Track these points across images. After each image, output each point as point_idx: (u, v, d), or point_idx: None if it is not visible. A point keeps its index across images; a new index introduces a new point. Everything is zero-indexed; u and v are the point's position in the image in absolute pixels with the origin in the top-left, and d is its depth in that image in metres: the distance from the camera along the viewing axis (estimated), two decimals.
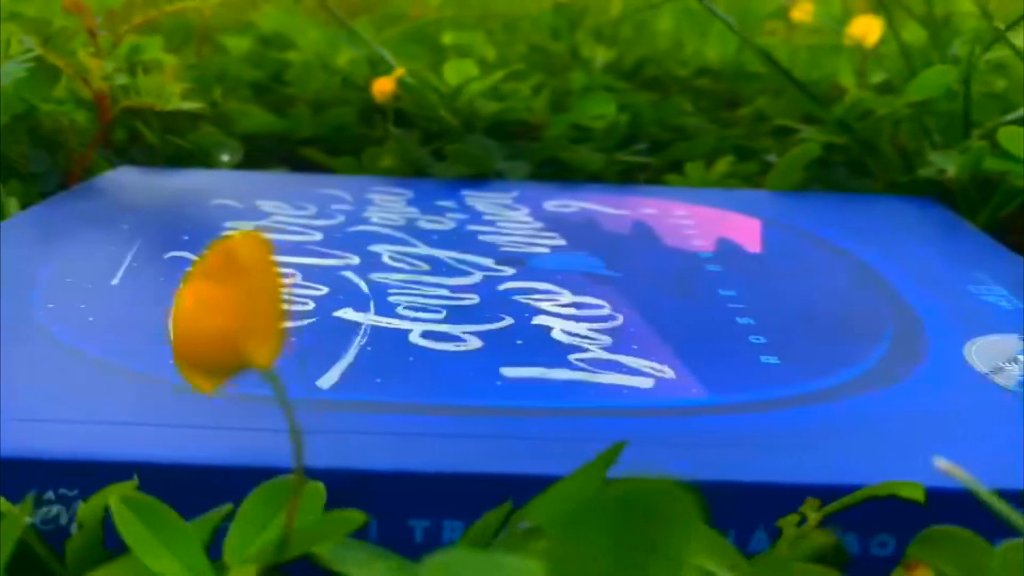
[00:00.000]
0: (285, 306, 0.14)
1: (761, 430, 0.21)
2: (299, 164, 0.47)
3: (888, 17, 0.53)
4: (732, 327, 0.27)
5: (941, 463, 0.15)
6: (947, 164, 0.40)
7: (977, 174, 0.40)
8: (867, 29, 0.53)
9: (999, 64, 0.53)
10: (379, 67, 0.50)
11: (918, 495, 0.19)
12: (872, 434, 0.21)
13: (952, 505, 0.19)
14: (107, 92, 0.39)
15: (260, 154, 0.49)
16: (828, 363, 0.25)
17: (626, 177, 0.48)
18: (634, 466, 0.19)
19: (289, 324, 0.25)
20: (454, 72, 0.47)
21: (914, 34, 0.58)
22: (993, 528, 0.19)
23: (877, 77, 0.54)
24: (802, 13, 0.73)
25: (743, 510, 0.19)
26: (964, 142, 0.41)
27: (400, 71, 0.46)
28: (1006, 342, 0.27)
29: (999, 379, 0.25)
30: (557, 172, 0.46)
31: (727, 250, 0.33)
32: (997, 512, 0.15)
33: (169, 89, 0.36)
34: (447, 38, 0.67)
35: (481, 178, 0.43)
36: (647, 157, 0.48)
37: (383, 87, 0.46)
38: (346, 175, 0.43)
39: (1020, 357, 0.26)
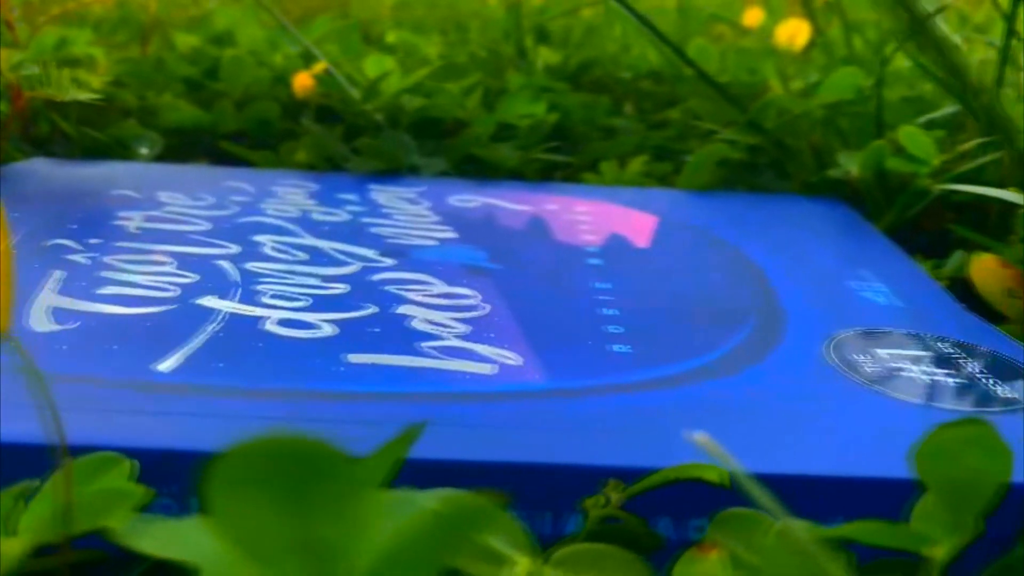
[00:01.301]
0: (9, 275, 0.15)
1: (588, 414, 0.22)
2: (222, 158, 0.47)
3: (814, 20, 0.53)
4: (594, 318, 0.27)
5: (699, 438, 0.16)
6: (852, 164, 0.41)
7: (887, 175, 0.41)
8: (795, 32, 0.54)
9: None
10: (312, 64, 0.51)
11: (719, 478, 0.19)
12: (699, 420, 0.22)
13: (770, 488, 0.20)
14: (17, 83, 0.40)
15: (186, 148, 0.49)
16: (678, 352, 0.25)
17: (547, 175, 0.48)
18: (447, 448, 0.20)
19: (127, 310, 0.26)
20: (373, 66, 0.47)
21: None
22: (825, 509, 0.20)
23: (808, 79, 0.55)
24: (752, 18, 0.74)
25: (554, 492, 0.19)
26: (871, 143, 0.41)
27: (320, 66, 0.47)
28: (870, 337, 0.27)
29: (849, 372, 0.25)
30: (478, 169, 0.46)
31: (614, 245, 0.34)
32: (752, 495, 0.15)
33: (66, 80, 0.37)
34: (390, 36, 0.68)
35: (395, 173, 0.43)
36: (567, 156, 0.48)
37: (302, 82, 0.46)
38: (261, 169, 0.43)
39: (879, 352, 0.26)
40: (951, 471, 0.16)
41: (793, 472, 0.20)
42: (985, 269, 0.34)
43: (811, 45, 0.59)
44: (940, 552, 0.16)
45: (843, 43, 0.55)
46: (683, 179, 0.44)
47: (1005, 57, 0.38)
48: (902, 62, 0.53)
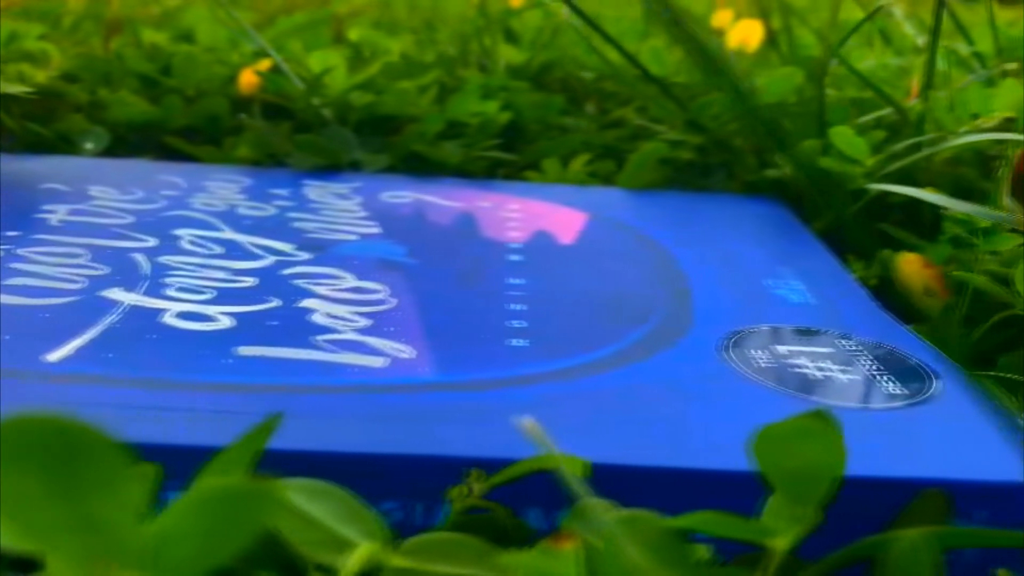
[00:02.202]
0: None
1: (472, 406, 0.22)
2: (170, 153, 0.47)
3: (767, 21, 0.53)
4: (500, 313, 0.27)
5: (526, 424, 0.16)
6: (788, 165, 0.41)
7: (828, 175, 0.41)
8: (748, 33, 0.54)
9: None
10: (265, 61, 0.51)
11: (579, 469, 0.19)
12: (573, 412, 0.22)
13: (624, 479, 0.20)
14: None
15: (136, 144, 0.49)
16: (575, 347, 0.25)
17: (493, 173, 0.48)
18: (315, 440, 0.20)
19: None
20: (317, 62, 0.47)
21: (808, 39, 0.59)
22: (688, 502, 0.20)
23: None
24: (722, 19, 0.74)
25: (422, 483, 0.20)
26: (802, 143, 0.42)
27: (266, 63, 0.47)
28: (772, 334, 0.28)
29: (741, 367, 0.25)
30: (424, 166, 0.47)
31: (538, 242, 0.34)
32: (565, 480, 0.15)
33: (10, 74, 0.37)
34: (353, 34, 0.68)
35: (337, 169, 0.43)
36: (514, 154, 0.49)
37: (247, 79, 0.46)
38: (204, 164, 0.43)
39: (777, 348, 0.27)
40: (787, 463, 0.16)
41: (654, 464, 0.20)
42: (907, 268, 0.34)
43: (770, 46, 0.59)
44: (781, 543, 0.17)
45: (799, 44, 0.55)
46: (624, 178, 0.44)
47: (932, 61, 0.38)
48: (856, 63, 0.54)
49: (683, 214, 0.39)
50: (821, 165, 0.40)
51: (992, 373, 0.30)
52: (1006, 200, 0.35)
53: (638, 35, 0.71)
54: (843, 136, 0.39)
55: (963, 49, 0.52)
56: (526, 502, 0.20)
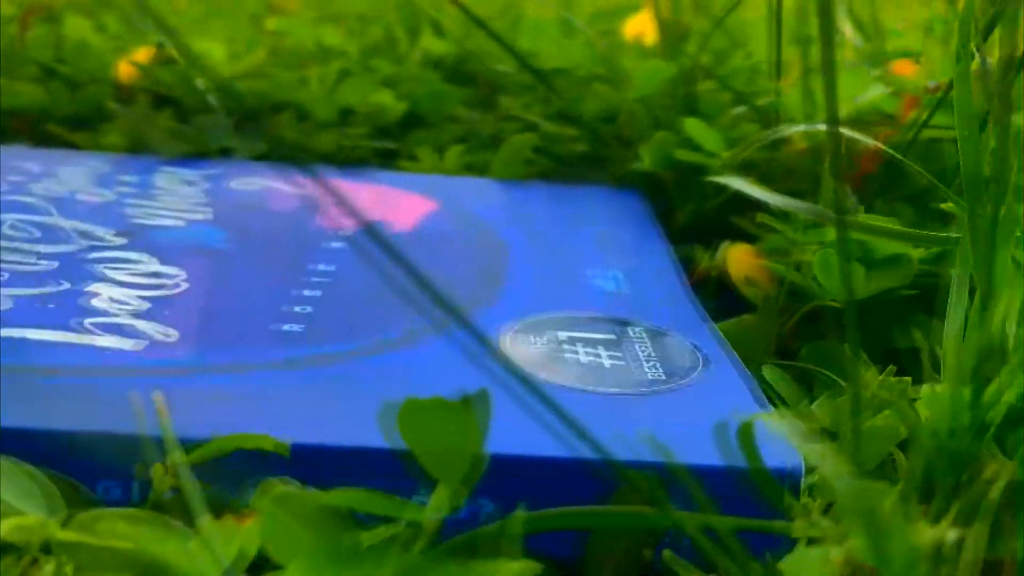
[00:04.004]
0: None
1: (206, 388, 0.22)
2: (52, 140, 0.47)
3: (659, 15, 0.54)
4: (290, 298, 0.28)
5: (155, 399, 0.16)
6: (645, 156, 0.41)
7: (680, 167, 0.41)
8: (644, 27, 0.54)
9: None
10: (152, 49, 0.51)
11: (281, 449, 0.19)
12: (319, 397, 0.22)
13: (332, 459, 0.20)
14: None
15: (25, 131, 0.49)
16: (353, 332, 0.26)
17: (379, 162, 0.49)
18: (36, 418, 0.20)
19: None
20: (200, 49, 0.47)
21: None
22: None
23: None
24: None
25: (130, 462, 0.20)
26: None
27: (143, 52, 0.47)
28: (560, 321, 0.28)
29: (512, 352, 0.25)
30: (304, 154, 0.47)
31: (369, 231, 0.34)
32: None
33: None
34: (271, 24, 0.68)
35: (205, 156, 0.43)
36: (397, 143, 0.49)
37: (126, 68, 0.46)
38: (71, 150, 0.43)
39: (559, 335, 0.27)
40: (429, 441, 0.16)
41: (355, 445, 0.20)
42: (735, 258, 0.34)
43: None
44: (429, 520, 0.17)
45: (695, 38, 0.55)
46: (494, 169, 0.44)
47: (779, 49, 0.38)
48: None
49: (534, 206, 0.39)
50: (676, 157, 0.40)
51: (791, 363, 0.30)
52: (834, 195, 0.35)
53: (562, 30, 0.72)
54: (696, 128, 0.39)
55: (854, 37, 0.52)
56: (239, 481, 0.20)
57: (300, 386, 0.23)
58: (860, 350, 0.26)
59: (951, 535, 0.15)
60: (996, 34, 0.28)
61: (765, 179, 0.42)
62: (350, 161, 0.47)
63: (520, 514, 0.16)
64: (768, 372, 0.27)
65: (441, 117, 0.54)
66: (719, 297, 0.36)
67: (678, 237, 0.41)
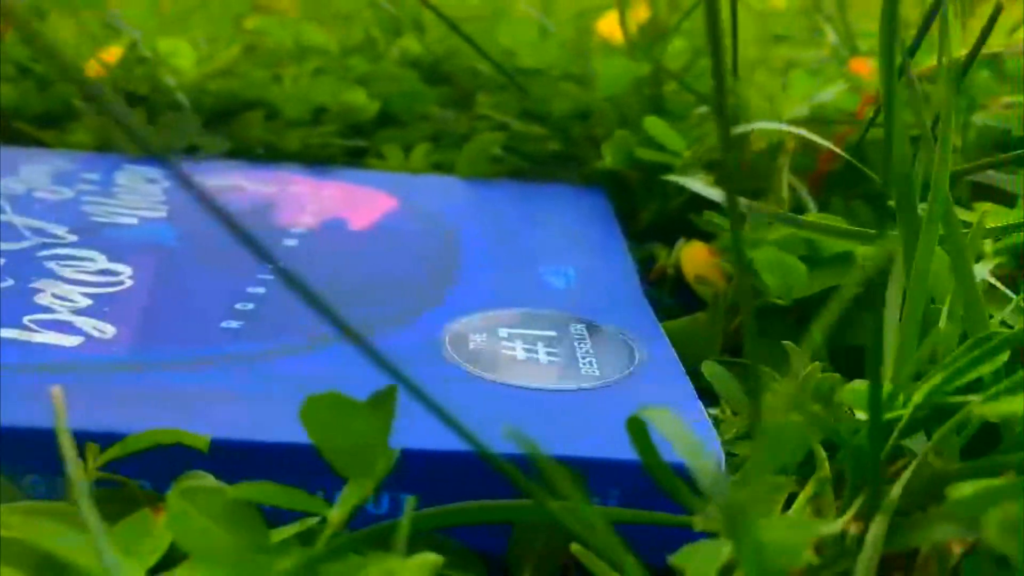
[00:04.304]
0: None
1: (137, 384, 0.22)
2: (23, 138, 0.47)
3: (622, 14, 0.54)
4: (233, 296, 0.28)
5: (54, 393, 0.16)
6: (607, 155, 0.41)
7: (643, 165, 0.42)
8: (614, 27, 0.54)
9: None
10: (124, 48, 0.51)
11: (200, 444, 0.20)
12: (240, 392, 0.22)
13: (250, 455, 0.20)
14: None
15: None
16: (287, 330, 0.26)
17: (348, 160, 0.49)
18: None
19: None
20: (165, 48, 0.48)
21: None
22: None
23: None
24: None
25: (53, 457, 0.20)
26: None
27: (113, 52, 0.47)
28: (506, 318, 0.28)
29: (449, 350, 0.26)
30: (272, 152, 0.47)
31: (327, 228, 0.34)
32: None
33: None
34: (250, 23, 0.68)
35: (172, 154, 0.43)
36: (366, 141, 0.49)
37: (94, 66, 0.47)
38: (39, 149, 0.43)
39: (499, 331, 0.27)
40: (334, 437, 0.17)
41: (270, 441, 0.20)
42: (688, 257, 0.35)
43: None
44: (335, 515, 0.17)
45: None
46: (460, 167, 0.45)
47: (735, 48, 0.39)
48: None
49: (496, 203, 0.39)
50: (642, 156, 0.40)
51: (737, 360, 0.30)
52: (786, 193, 0.35)
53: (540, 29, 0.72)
54: (657, 126, 0.39)
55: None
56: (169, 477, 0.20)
57: (232, 382, 0.23)
58: (796, 347, 0.27)
59: (835, 527, 0.15)
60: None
61: (728, 178, 0.42)
62: (319, 159, 0.47)
63: (409, 511, 0.16)
64: (707, 369, 0.27)
65: (414, 116, 0.55)
66: (677, 295, 0.37)
67: (643, 235, 0.41)
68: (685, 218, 0.43)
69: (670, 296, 0.37)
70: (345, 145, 0.49)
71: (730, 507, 0.12)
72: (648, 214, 0.42)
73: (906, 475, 0.18)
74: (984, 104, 0.45)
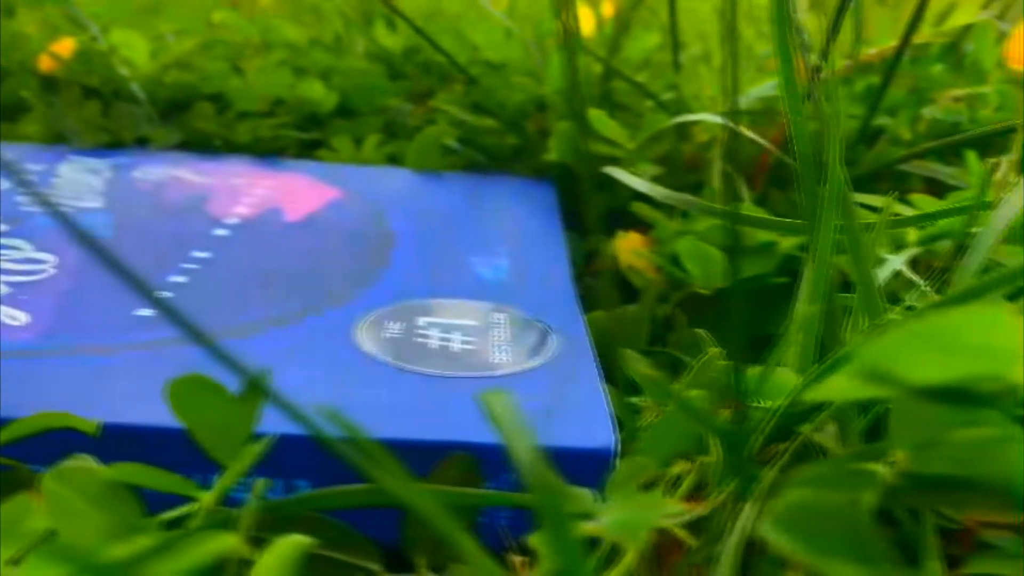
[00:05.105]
0: None
1: (44, 370, 0.22)
2: None
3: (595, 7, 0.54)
4: (159, 284, 0.28)
5: None
6: (552, 147, 0.42)
7: (586, 158, 0.42)
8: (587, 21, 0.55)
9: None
10: (78, 39, 0.51)
11: (89, 428, 0.20)
12: (146, 378, 0.22)
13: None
14: None
15: None
16: (208, 317, 0.26)
17: (300, 152, 0.49)
18: None
19: None
20: (118, 40, 0.48)
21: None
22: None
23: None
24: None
25: None
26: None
27: (65, 44, 0.47)
28: (429, 308, 0.28)
29: (361, 339, 0.26)
30: (224, 144, 0.47)
31: (263, 219, 0.34)
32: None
33: None
34: (216, 16, 0.69)
35: (121, 146, 0.44)
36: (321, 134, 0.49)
37: (45, 60, 0.47)
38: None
39: (418, 320, 0.27)
40: (199, 417, 0.17)
41: (160, 425, 0.20)
42: (622, 248, 0.35)
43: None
44: (207, 498, 0.17)
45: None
46: (409, 159, 0.45)
47: (676, 47, 0.39)
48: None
49: (439, 195, 0.39)
50: (579, 148, 0.40)
51: (660, 350, 0.30)
52: (717, 184, 0.36)
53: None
54: (600, 119, 0.39)
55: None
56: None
57: (134, 369, 0.23)
58: (705, 335, 0.27)
59: (677, 509, 0.15)
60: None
61: (672, 171, 0.42)
62: (270, 151, 0.47)
63: (256, 496, 0.16)
64: (626, 357, 0.27)
65: (372, 109, 0.55)
66: (619, 286, 0.37)
67: (591, 227, 0.41)
68: (629, 210, 0.43)
69: (611, 287, 0.37)
70: (299, 137, 0.49)
71: (540, 489, 0.12)
72: (595, 206, 0.43)
73: (780, 461, 0.18)
74: (933, 98, 0.45)
